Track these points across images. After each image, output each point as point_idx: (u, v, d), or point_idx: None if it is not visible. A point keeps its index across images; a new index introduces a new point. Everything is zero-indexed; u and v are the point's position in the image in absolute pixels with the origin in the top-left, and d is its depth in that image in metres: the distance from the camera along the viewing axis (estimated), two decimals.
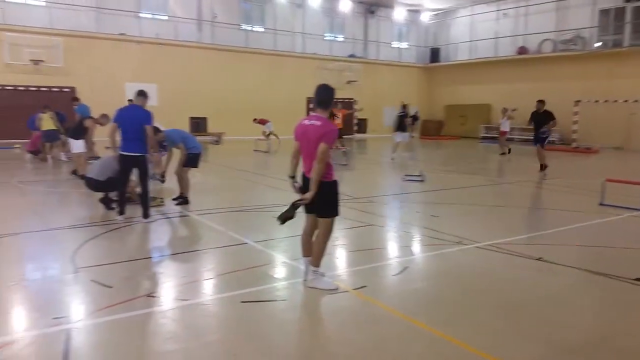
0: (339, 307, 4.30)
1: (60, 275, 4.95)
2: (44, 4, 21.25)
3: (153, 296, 4.42)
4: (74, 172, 10.94)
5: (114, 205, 7.87)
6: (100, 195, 7.99)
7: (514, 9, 27.68)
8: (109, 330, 3.79)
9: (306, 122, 4.59)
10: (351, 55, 29.29)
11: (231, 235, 6.57)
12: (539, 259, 5.59)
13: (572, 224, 7.44)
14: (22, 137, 18.13)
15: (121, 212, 7.17)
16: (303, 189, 4.54)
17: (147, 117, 7.12)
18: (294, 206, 4.49)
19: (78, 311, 4.09)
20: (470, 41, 29.99)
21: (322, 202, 4.49)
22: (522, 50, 27.09)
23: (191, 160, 8.49)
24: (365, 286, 4.68)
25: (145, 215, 7.18)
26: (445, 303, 4.39)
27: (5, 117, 19.80)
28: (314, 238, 4.67)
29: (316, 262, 4.60)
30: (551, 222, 7.91)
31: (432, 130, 30.84)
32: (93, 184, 7.96)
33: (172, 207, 8.21)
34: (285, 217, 4.54)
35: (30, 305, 4.27)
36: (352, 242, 6.43)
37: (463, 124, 29.65)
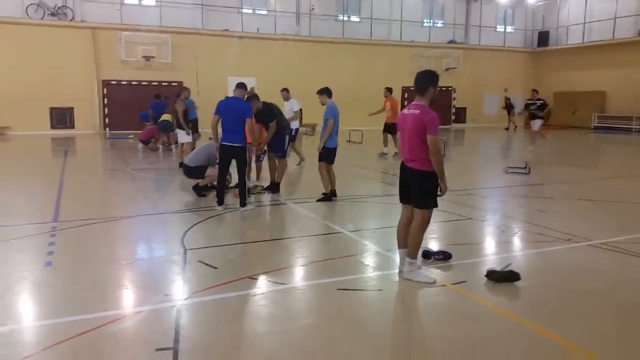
0: (436, 302, 4.19)
1: (170, 255, 5.31)
2: (154, 3, 22.82)
3: (254, 278, 4.59)
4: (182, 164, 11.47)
5: (204, 192, 8.33)
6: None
7: None
8: (215, 308, 4.01)
9: (405, 111, 4.53)
10: (451, 42, 28.29)
11: (326, 224, 6.66)
12: None
13: None
14: (135, 129, 19.76)
15: (220, 202, 7.44)
16: (402, 179, 4.49)
17: (247, 109, 7.38)
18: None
19: (187, 289, 4.35)
20: (585, 23, 27.62)
21: (420, 192, 4.40)
22: None
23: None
24: (464, 281, 4.52)
25: (243, 203, 7.45)
26: (551, 303, 4.11)
27: (120, 110, 21.65)
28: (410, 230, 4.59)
29: (412, 254, 4.52)
30: None
31: None
32: (185, 169, 8.54)
33: (268, 197, 8.47)
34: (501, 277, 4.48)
35: (144, 282, 4.62)
36: (450, 235, 6.23)
37: (573, 112, 27.49)
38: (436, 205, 4.49)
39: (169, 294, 4.24)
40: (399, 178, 4.64)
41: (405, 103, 27.10)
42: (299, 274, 4.82)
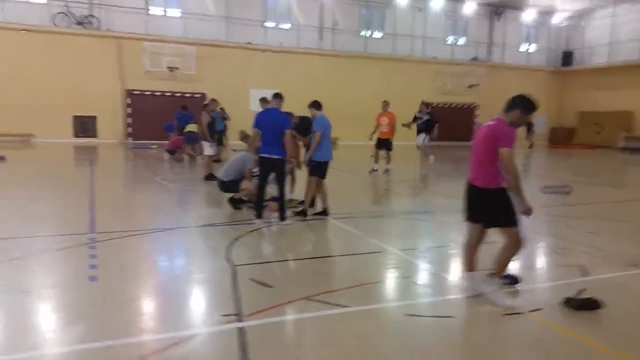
0: (517, 331, 3.87)
1: (217, 271, 5.04)
2: (179, 15, 22.91)
3: (312, 300, 4.29)
4: (207, 177, 11.23)
5: (240, 205, 8.10)
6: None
7: None
8: (278, 332, 3.73)
9: (484, 125, 4.29)
10: (474, 59, 28.08)
11: (372, 241, 6.36)
12: None
13: None
14: (159, 139, 19.69)
15: (259, 216, 7.20)
16: (467, 198, 4.23)
17: (287, 121, 7.16)
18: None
19: (244, 309, 4.06)
20: (610, 44, 27.29)
21: (500, 212, 4.11)
22: None
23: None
24: (540, 308, 4.18)
25: (282, 217, 7.21)
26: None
27: (143, 120, 21.63)
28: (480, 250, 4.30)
29: (499, 274, 4.22)
30: None
31: (562, 139, 28.55)
32: (219, 184, 8.35)
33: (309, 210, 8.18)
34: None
35: (197, 301, 4.36)
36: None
37: (598, 132, 27.04)
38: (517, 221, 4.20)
39: (225, 314, 3.95)
40: (465, 196, 4.35)
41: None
42: (358, 296, 4.50)
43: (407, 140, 17.99)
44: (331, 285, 4.75)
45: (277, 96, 7.38)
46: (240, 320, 3.83)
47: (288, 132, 7.10)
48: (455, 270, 5.10)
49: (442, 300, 4.45)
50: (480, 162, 4.18)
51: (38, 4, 20.68)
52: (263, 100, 10.92)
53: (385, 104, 13.35)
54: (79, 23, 21.07)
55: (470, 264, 4.40)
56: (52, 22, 20.60)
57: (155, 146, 19.31)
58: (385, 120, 13.06)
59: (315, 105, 7.84)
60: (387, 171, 13.10)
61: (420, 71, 26.12)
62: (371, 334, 3.73)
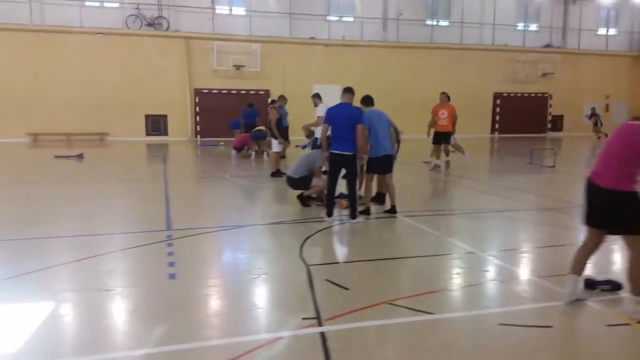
0: (626, 345, 3.46)
1: (293, 271, 4.93)
2: (244, 13, 23.21)
3: (394, 304, 4.08)
4: (274, 174, 11.21)
5: (309, 202, 7.99)
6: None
7: None
8: (363, 339, 3.56)
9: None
10: (547, 45, 26.55)
11: (451, 241, 6.04)
12: None
13: None
14: (225, 136, 20.06)
15: (329, 213, 7.06)
16: (587, 201, 3.86)
17: (358, 115, 6.93)
18: None
19: (324, 313, 3.90)
20: None
21: (630, 218, 3.71)
22: None
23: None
24: None
25: (353, 215, 7.02)
26: None
27: (212, 117, 22.12)
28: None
29: (634, 291, 3.84)
30: None
31: None
32: (289, 181, 8.25)
33: (378, 208, 7.96)
34: None
35: (276, 302, 4.27)
36: (604, 261, 5.35)
37: None
38: None
39: (306, 317, 3.82)
40: (585, 197, 3.96)
41: (497, 110, 25.75)
42: (443, 302, 4.24)
43: (466, 133, 17.21)
44: (412, 289, 4.51)
45: (348, 90, 7.18)
46: (321, 324, 3.68)
47: (360, 127, 6.87)
48: (549, 275, 4.70)
49: (537, 307, 4.09)
50: (617, 159, 3.79)
51: (112, 7, 21.64)
52: (316, 96, 10.81)
53: (444, 96, 12.75)
54: (150, 24, 21.82)
55: (579, 268, 4.03)
56: (125, 24, 21.48)
57: (222, 143, 19.70)
58: (445, 112, 12.46)
59: (364, 101, 7.81)
60: (447, 164, 12.65)
61: (490, 60, 25.02)
62: (460, 344, 3.47)
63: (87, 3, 21.36)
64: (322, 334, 3.53)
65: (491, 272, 4.96)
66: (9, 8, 19.85)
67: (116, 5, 21.69)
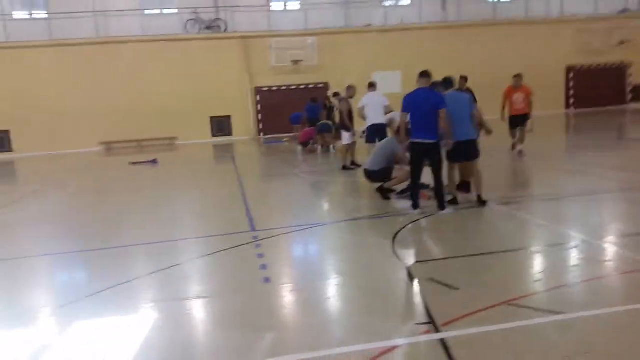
0: None
1: (392, 270, 4.62)
2: (298, 7, 23.04)
3: (514, 305, 3.68)
4: (344, 167, 10.95)
5: (389, 195, 7.64)
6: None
7: None
8: (485, 344, 3.19)
9: None
10: (623, 11, 24.57)
11: (560, 229, 5.51)
12: None
13: None
14: (287, 132, 20.02)
15: (415, 206, 6.69)
16: None
17: (440, 99, 6.49)
18: None
19: (437, 317, 3.56)
20: None
21: None
22: None
23: None
24: None
25: (441, 207, 6.62)
26: None
27: (273, 114, 22.17)
28: None
29: None
30: None
31: None
32: (367, 174, 7.93)
33: (464, 197, 7.47)
34: None
35: (381, 305, 3.95)
36: None
37: None
38: None
39: (419, 322, 3.50)
40: None
41: (572, 84, 24.15)
42: (571, 299, 3.80)
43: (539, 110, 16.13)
44: (529, 286, 4.08)
45: (424, 74, 6.76)
46: (438, 330, 3.35)
47: (443, 112, 6.42)
48: None
49: None
50: None
51: (171, 14, 22.10)
52: (371, 85, 10.40)
53: (518, 78, 11.76)
54: (208, 27, 22.13)
55: None
56: (184, 29, 21.88)
57: (286, 139, 19.67)
58: (520, 96, 11.52)
59: (444, 83, 7.30)
60: (520, 153, 11.60)
61: (559, 32, 23.47)
62: (600, 348, 3.03)
63: (146, 12, 21.94)
64: (443, 341, 3.20)
65: (615, 263, 4.43)
66: (75, 23, 20.71)
67: (175, 11, 22.14)
